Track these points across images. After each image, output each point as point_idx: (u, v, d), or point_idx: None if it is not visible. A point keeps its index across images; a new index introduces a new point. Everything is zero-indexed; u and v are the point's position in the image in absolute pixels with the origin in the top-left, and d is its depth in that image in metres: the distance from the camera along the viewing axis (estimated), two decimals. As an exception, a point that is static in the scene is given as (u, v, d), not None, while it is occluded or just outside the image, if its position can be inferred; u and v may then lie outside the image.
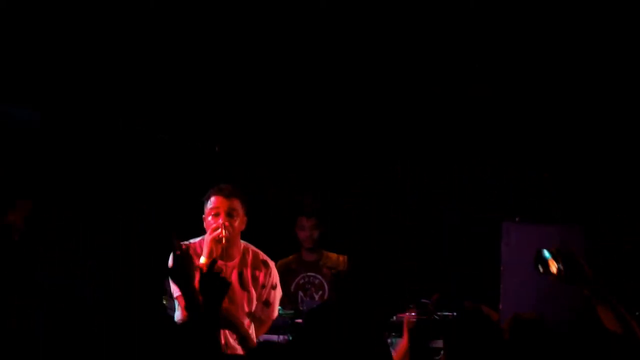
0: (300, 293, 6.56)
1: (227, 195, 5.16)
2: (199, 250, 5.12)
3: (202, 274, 3.86)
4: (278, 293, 5.33)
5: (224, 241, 5.09)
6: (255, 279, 5.26)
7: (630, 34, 6.47)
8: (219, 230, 5.08)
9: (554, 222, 6.12)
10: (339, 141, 7.26)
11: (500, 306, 5.92)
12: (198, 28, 6.81)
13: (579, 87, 6.64)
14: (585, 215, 6.36)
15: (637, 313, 4.24)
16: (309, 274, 6.60)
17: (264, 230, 7.25)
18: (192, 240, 5.20)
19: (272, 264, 5.34)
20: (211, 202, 5.17)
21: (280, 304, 5.90)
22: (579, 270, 4.02)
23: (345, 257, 6.63)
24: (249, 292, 5.23)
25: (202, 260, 5.03)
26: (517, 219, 6.16)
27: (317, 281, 6.58)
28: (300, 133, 7.29)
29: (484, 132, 6.88)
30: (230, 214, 5.13)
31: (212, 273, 3.86)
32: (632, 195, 6.55)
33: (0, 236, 4.54)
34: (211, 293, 3.82)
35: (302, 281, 6.56)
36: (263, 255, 5.34)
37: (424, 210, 7.04)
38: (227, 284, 3.86)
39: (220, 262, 4.89)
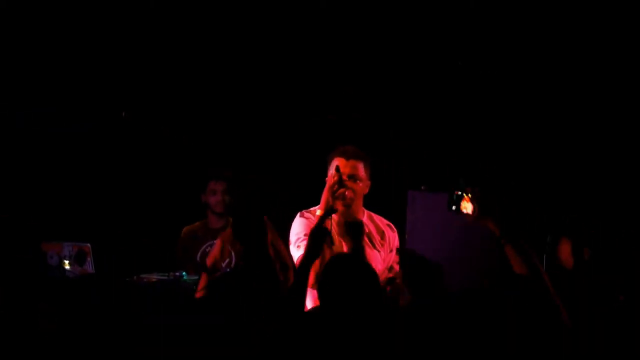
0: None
1: (349, 157, 5.07)
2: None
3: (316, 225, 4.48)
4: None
5: (346, 201, 5.01)
6: (383, 240, 5.19)
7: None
8: (340, 189, 4.96)
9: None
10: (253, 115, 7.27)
11: (405, 272, 6.00)
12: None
13: (481, 58, 6.73)
14: (490, 184, 6.46)
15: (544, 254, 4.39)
16: (215, 241, 6.57)
17: (172, 197, 7.26)
18: (312, 209, 5.09)
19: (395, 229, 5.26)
20: (333, 164, 5.06)
21: (185, 271, 5.91)
22: (491, 207, 4.14)
23: (253, 224, 6.62)
24: (378, 252, 5.16)
25: (318, 212, 4.94)
26: (422, 188, 6.25)
27: (223, 248, 6.56)
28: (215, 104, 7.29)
29: (391, 103, 6.95)
30: (351, 177, 5.04)
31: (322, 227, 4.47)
32: (536, 162, 6.68)
33: None
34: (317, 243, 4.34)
35: (208, 248, 6.50)
36: (386, 220, 5.26)
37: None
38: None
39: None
